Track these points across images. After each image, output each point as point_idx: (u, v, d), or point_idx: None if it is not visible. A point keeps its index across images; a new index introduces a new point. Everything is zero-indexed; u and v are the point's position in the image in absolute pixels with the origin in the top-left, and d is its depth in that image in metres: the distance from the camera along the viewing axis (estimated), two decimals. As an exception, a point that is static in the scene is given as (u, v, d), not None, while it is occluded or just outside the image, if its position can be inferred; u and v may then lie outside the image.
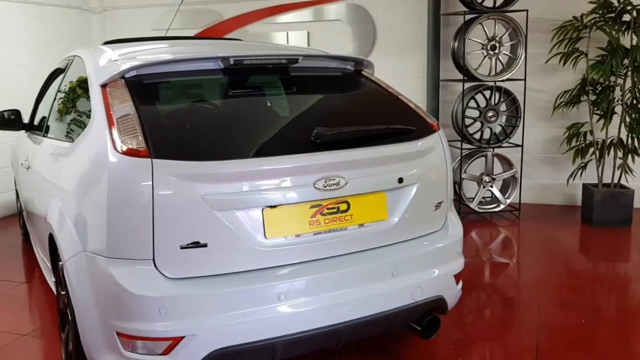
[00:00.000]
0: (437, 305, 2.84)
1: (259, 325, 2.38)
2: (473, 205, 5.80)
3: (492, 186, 5.82)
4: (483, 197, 5.89)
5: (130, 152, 2.32)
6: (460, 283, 3.01)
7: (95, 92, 2.67)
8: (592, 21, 5.25)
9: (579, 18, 5.30)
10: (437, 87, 6.14)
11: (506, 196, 5.85)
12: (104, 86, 2.63)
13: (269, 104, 2.95)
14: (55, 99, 3.68)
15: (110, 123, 2.45)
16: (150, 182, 2.28)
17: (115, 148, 2.35)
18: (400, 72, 6.18)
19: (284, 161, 2.46)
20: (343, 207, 2.58)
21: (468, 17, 5.62)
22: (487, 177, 5.82)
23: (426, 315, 2.85)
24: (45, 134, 3.59)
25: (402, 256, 2.72)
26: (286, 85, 3.07)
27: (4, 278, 4.48)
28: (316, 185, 2.47)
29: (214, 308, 2.33)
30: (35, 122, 4.16)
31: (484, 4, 5.58)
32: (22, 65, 6.33)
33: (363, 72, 3.23)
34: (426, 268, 2.78)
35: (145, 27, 7.25)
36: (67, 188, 2.68)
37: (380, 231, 2.68)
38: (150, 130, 2.40)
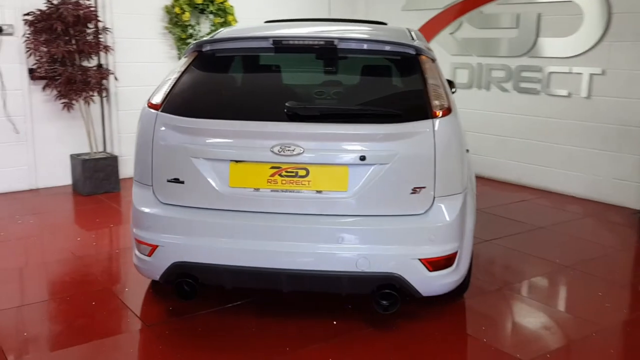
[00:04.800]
0: (393, 282, 2.98)
1: (210, 251, 3.02)
2: None
3: None
4: None
5: (151, 106, 3.18)
6: (443, 271, 3.05)
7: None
8: None
9: None
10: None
11: None
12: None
13: (279, 80, 3.43)
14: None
15: (162, 83, 3.33)
16: (153, 129, 3.10)
17: (148, 101, 3.22)
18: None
19: (248, 126, 2.99)
20: (302, 172, 2.97)
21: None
22: None
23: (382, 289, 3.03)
24: None
25: (353, 227, 2.96)
26: (326, 65, 3.45)
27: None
28: (273, 150, 2.93)
29: (180, 229, 3.06)
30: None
31: None
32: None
33: (422, 57, 3.37)
34: (379, 243, 2.95)
35: (395, 8, 7.88)
36: None
37: (337, 201, 2.98)
38: (172, 92, 3.20)
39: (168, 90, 3.21)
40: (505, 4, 6.69)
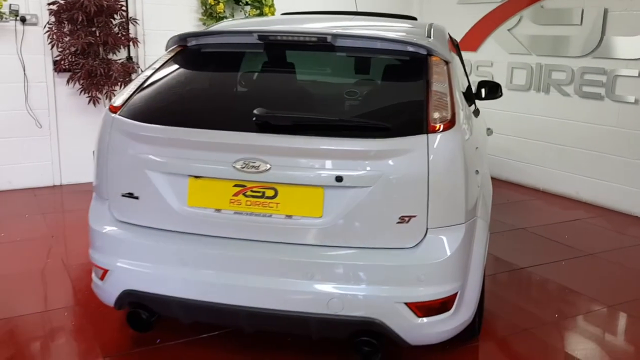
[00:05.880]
0: (372, 329, 2.49)
1: (162, 281, 2.61)
2: None
3: None
4: None
5: (111, 108, 2.80)
6: (437, 317, 2.53)
7: None
8: None
9: None
10: None
11: None
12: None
13: (259, 82, 2.96)
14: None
15: (132, 82, 2.97)
16: (108, 134, 2.72)
17: (111, 104, 2.85)
18: None
19: (209, 135, 2.55)
20: (269, 193, 2.52)
21: None
22: None
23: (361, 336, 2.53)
24: None
25: (326, 261, 2.48)
26: (317, 65, 2.99)
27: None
28: (235, 165, 2.49)
29: (131, 253, 2.67)
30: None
31: None
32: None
33: (433, 58, 2.84)
34: (355, 282, 2.46)
35: (451, 1, 7.24)
36: None
37: (309, 228, 2.50)
38: (137, 93, 2.82)
39: (133, 91, 2.84)
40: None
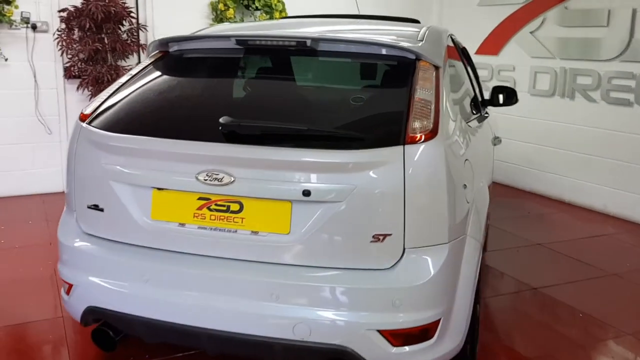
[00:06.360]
0: (343, 358, 2.28)
1: (123, 298, 2.46)
2: None
3: None
4: None
5: (81, 116, 2.68)
6: (416, 346, 2.31)
7: None
8: None
9: None
10: None
11: None
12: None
13: (232, 89, 2.80)
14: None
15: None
16: (75, 143, 2.60)
17: (82, 111, 2.73)
18: None
19: (172, 145, 2.39)
20: (234, 207, 2.35)
21: None
22: None
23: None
24: None
25: (293, 281, 2.29)
26: (297, 71, 2.82)
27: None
28: (198, 177, 2.33)
29: (95, 268, 2.53)
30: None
31: None
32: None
33: (421, 63, 2.64)
34: (324, 306, 2.26)
35: (471, 3, 6.98)
36: None
37: (276, 245, 2.32)
38: (109, 100, 2.70)
39: (104, 99, 2.72)
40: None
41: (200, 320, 2.36)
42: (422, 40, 2.83)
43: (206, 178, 2.31)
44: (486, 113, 3.98)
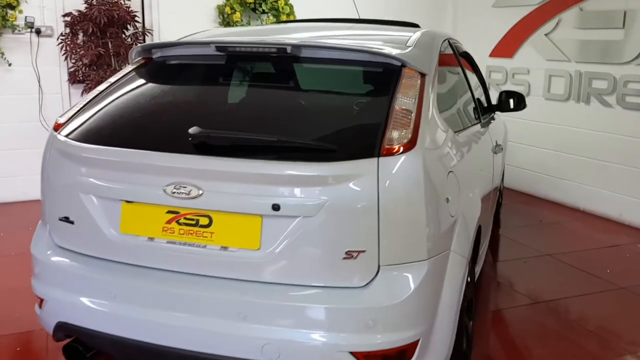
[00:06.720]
0: (314, 380, 2.17)
1: (91, 314, 2.38)
2: None
3: None
4: None
5: (55, 126, 2.62)
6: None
7: None
8: None
9: None
10: None
11: None
12: None
13: (208, 98, 2.71)
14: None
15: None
16: (49, 153, 2.53)
17: (56, 120, 2.67)
18: None
19: (142, 157, 2.30)
20: (204, 221, 2.25)
21: None
22: None
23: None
24: None
25: (262, 300, 2.19)
26: (277, 78, 2.72)
27: None
28: (166, 189, 2.24)
29: (65, 282, 2.46)
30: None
31: None
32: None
33: (405, 70, 2.51)
34: (294, 325, 2.15)
35: (486, 4, 6.81)
36: None
37: (246, 262, 2.21)
38: (85, 109, 2.63)
39: (80, 108, 2.65)
40: (610, -2, 5.42)
41: (168, 339, 2.27)
42: (410, 46, 2.71)
43: (174, 191, 2.22)
44: (488, 120, 3.83)
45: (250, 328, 2.17)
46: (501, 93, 4.22)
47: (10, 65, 5.50)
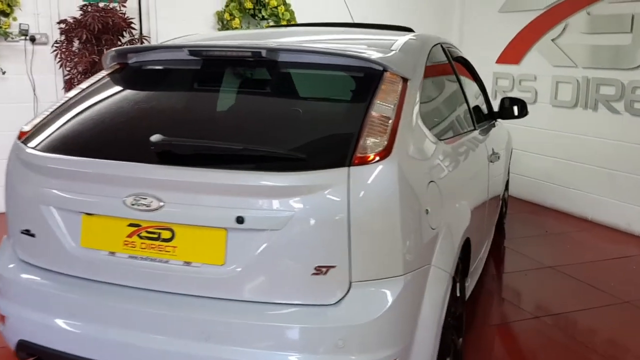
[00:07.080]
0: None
1: (51, 333, 2.27)
2: None
3: None
4: None
5: (20, 134, 2.51)
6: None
7: None
8: None
9: None
10: None
11: None
12: None
13: (177, 104, 2.59)
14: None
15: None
16: (11, 163, 2.42)
17: (21, 129, 2.56)
18: None
19: (101, 166, 2.18)
20: (166, 234, 2.12)
21: None
22: None
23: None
24: None
25: (226, 319, 2.05)
26: (253, 83, 2.60)
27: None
28: (126, 201, 2.11)
29: (26, 298, 2.34)
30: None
31: None
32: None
33: (387, 74, 2.37)
34: (261, 346, 2.02)
35: (492, 9, 6.65)
36: None
37: (209, 278, 2.08)
38: (51, 117, 2.52)
39: (46, 116, 2.54)
40: (617, 2, 5.23)
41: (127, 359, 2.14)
42: (394, 50, 2.57)
43: (134, 202, 2.10)
44: (486, 128, 3.68)
45: (214, 348, 2.04)
46: (502, 100, 4.09)
47: (4, 73, 5.43)
